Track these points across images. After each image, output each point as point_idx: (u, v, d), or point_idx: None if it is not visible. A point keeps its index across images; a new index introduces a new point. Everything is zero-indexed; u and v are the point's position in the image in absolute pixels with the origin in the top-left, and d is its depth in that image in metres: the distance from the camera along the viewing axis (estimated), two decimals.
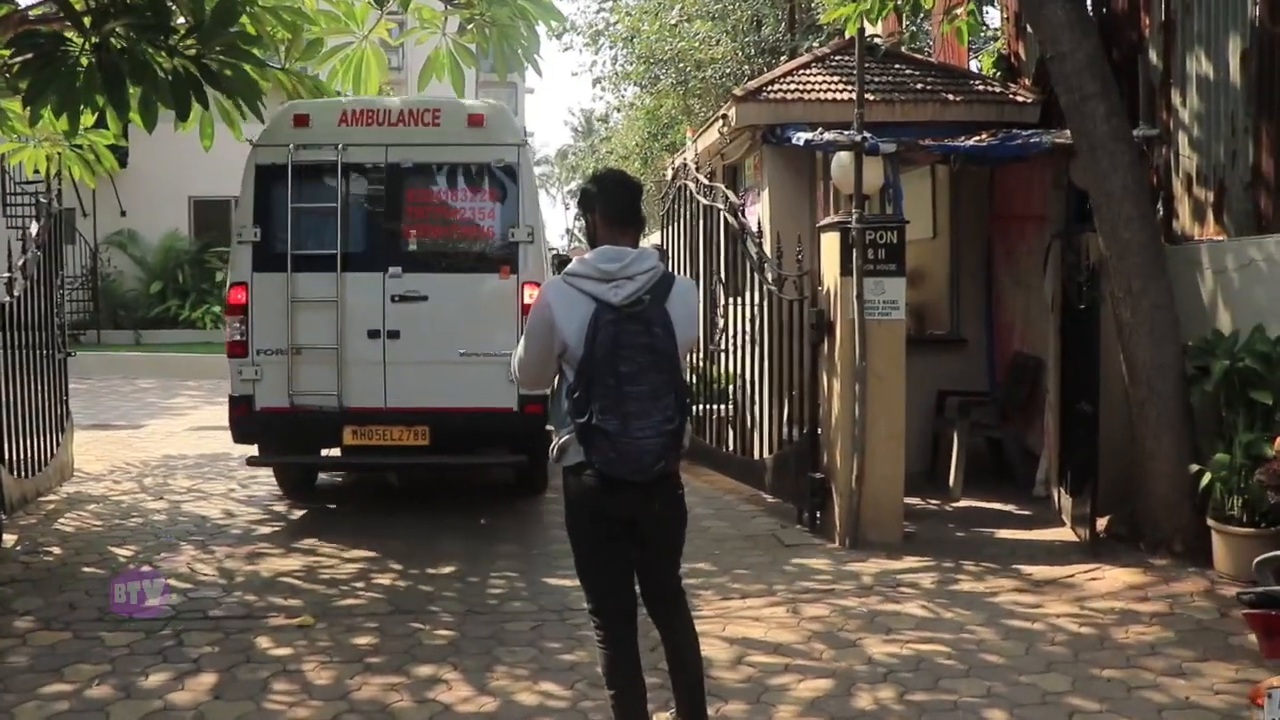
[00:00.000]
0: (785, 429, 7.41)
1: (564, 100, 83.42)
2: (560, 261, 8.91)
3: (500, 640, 5.03)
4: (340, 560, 6.38)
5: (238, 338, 7.08)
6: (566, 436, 3.43)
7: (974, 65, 10.87)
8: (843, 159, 6.63)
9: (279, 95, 8.22)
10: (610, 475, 3.34)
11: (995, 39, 10.63)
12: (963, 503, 7.69)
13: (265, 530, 7.12)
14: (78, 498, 7.97)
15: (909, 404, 6.72)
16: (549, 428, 3.58)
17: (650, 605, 3.69)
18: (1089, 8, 7.13)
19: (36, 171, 9.85)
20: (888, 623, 5.20)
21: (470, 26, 7.83)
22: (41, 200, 7.46)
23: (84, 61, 5.89)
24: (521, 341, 3.59)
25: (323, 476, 8.73)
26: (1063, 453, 7.12)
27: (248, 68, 6.37)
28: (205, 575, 6.05)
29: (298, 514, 7.63)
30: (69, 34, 6.15)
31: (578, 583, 3.74)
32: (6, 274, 6.73)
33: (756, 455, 7.97)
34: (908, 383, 6.71)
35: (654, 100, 21.60)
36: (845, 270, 6.54)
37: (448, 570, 6.20)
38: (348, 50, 8.18)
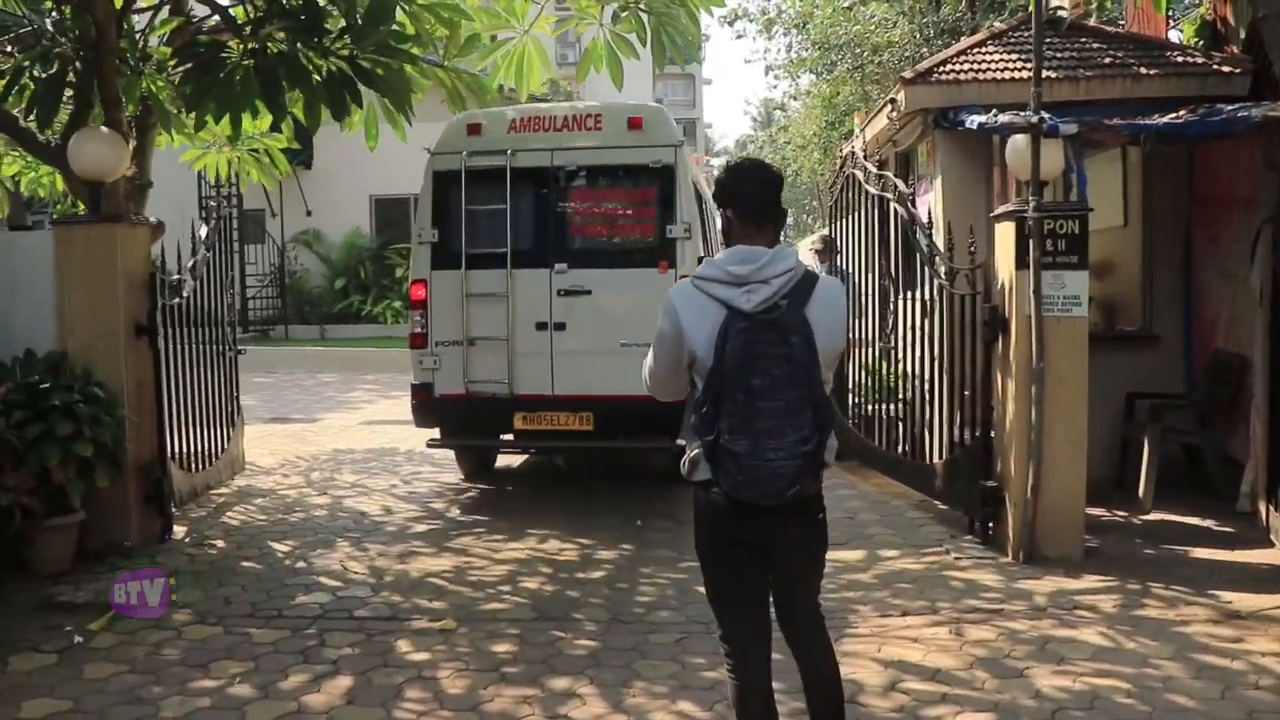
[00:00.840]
0: (958, 432, 6.96)
1: (743, 90, 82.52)
2: None
3: (642, 653, 4.83)
4: (491, 561, 6.31)
5: (418, 330, 7.66)
6: (695, 451, 3.15)
7: (1176, 36, 10.01)
8: (1018, 142, 6.12)
9: (439, 93, 8.29)
10: (737, 499, 3.07)
11: (1198, 3, 9.74)
12: (1153, 516, 7.04)
13: (420, 528, 7.13)
14: (247, 491, 8.19)
15: (1094, 406, 6.18)
16: (679, 442, 3.30)
17: (786, 631, 3.39)
18: None
19: (220, 176, 10.27)
20: (1060, 650, 4.73)
21: (625, 14, 7.67)
22: (211, 203, 7.66)
23: (242, 67, 6.00)
24: (650, 349, 3.31)
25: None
26: (1271, 463, 6.41)
27: (402, 65, 6.37)
28: (356, 574, 6.07)
29: (454, 512, 7.63)
30: (229, 41, 6.29)
31: None
32: (175, 275, 6.90)
33: (928, 459, 7.52)
34: (1093, 383, 6.16)
35: (830, 87, 21.01)
36: (1021, 263, 6.05)
37: (597, 575, 6.04)
38: (509, 45, 8.18)
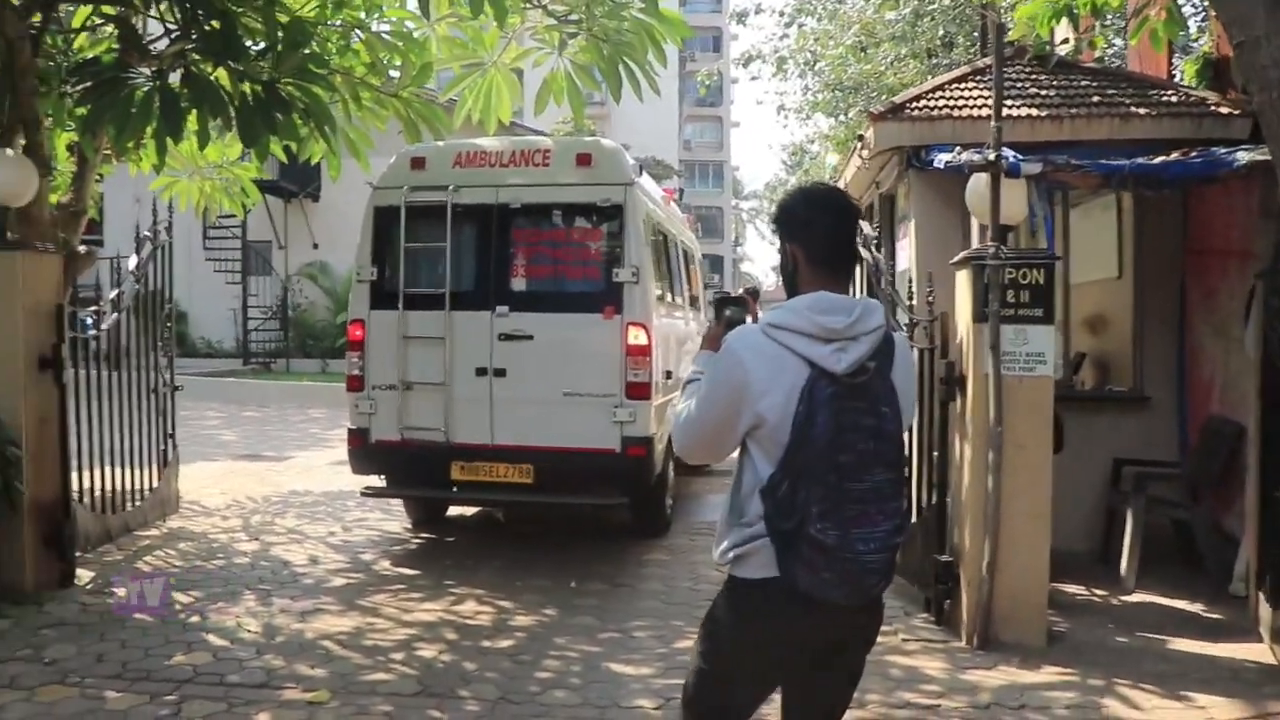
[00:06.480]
0: (918, 497, 6.39)
1: (772, 133, 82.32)
2: (720, 303, 7.70)
3: None
4: (396, 624, 5.80)
5: (356, 372, 7.36)
6: (750, 545, 2.54)
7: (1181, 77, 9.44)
8: (978, 183, 5.59)
9: (397, 124, 7.93)
10: (817, 599, 2.49)
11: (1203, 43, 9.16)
12: (1136, 596, 6.41)
13: (338, 582, 6.64)
14: (177, 534, 7.76)
15: (1079, 472, 5.66)
16: (721, 541, 2.70)
17: None
18: None
19: (193, 205, 9.88)
20: None
21: (577, 40, 7.25)
22: (145, 234, 7.30)
23: (143, 90, 5.63)
24: (694, 400, 2.65)
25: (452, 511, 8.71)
26: (1261, 546, 5.78)
27: (317, 90, 5.98)
28: (247, 633, 5.56)
29: (382, 565, 7.14)
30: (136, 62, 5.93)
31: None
32: (94, 308, 6.52)
33: None
34: (1079, 446, 5.66)
35: (846, 130, 20.52)
36: (979, 315, 5.50)
37: (505, 644, 5.49)
38: (476, 77, 7.80)
